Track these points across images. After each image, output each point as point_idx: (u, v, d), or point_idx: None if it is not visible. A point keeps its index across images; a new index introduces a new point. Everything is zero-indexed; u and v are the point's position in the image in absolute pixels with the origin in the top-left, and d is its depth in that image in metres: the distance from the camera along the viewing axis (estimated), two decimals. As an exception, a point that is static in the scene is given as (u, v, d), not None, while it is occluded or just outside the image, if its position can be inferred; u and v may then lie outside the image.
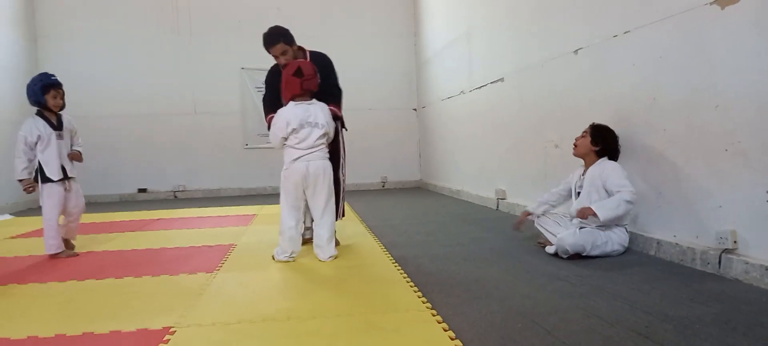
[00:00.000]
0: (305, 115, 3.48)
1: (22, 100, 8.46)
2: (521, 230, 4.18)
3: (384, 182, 10.01)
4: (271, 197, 8.70)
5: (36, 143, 3.85)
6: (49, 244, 3.91)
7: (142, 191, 9.46)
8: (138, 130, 9.32)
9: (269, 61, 3.93)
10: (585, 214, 3.36)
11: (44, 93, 3.82)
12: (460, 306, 2.53)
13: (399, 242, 4.28)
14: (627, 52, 3.73)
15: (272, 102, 3.82)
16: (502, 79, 5.98)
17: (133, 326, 2.34)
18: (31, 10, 8.94)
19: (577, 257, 3.39)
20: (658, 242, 3.44)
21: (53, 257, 3.92)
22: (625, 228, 3.52)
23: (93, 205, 8.29)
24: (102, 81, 9.12)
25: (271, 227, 5.20)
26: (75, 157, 4.05)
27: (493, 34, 6.23)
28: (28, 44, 8.83)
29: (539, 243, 3.84)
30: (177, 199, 9.26)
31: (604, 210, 3.30)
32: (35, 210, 7.94)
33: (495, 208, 6.22)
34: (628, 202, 3.32)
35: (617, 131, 3.68)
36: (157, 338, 2.18)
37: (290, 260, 3.57)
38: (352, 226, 5.08)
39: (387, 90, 9.91)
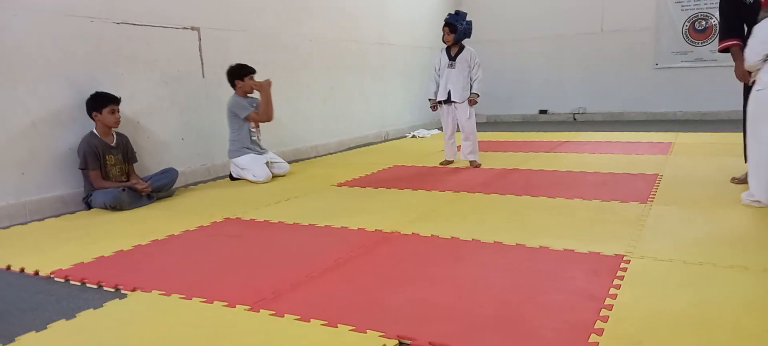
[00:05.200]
0: None
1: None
2: None
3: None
4: (684, 123, 7.80)
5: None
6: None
7: (543, 112, 9.75)
8: (542, 53, 9.51)
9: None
10: None
11: None
12: None
13: None
14: None
15: (729, 15, 3.27)
16: None
17: (585, 249, 2.39)
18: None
19: None
20: None
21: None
22: None
23: (498, 124, 9.02)
24: (509, 6, 9.58)
25: (697, 160, 4.64)
26: None
27: None
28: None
29: None
30: (576, 121, 9.22)
31: None
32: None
33: None
34: None
35: None
36: (613, 265, 2.17)
37: (760, 206, 3.01)
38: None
39: None
